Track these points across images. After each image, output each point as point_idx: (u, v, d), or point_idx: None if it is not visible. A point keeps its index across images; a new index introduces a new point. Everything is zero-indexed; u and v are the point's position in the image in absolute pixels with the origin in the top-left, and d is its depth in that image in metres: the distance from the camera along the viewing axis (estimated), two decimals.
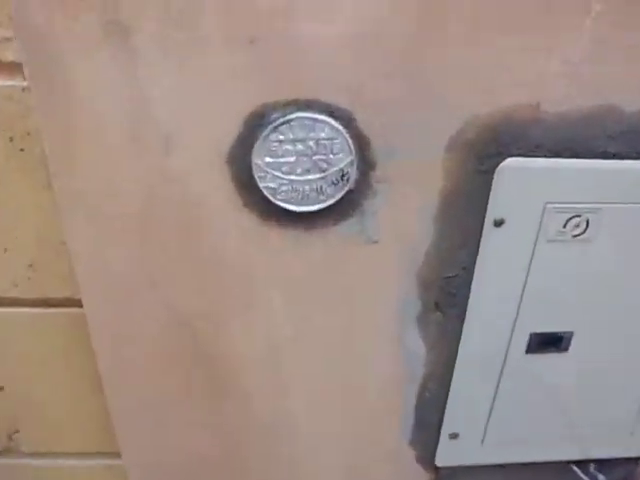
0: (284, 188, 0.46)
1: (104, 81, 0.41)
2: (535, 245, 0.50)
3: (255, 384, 0.56)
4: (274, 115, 0.43)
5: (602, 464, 0.68)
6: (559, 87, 0.44)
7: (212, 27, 0.40)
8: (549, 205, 0.48)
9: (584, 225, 0.49)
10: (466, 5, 0.40)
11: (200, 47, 0.40)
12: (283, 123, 0.43)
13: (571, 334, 0.56)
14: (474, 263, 0.50)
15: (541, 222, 0.49)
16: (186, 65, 0.41)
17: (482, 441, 0.62)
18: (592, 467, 0.67)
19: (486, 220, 0.48)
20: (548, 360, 0.57)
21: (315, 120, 0.44)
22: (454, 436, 0.61)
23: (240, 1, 0.39)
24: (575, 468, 0.67)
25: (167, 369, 0.55)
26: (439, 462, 0.64)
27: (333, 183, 0.46)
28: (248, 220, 0.47)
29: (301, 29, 0.40)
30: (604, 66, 0.43)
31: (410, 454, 0.63)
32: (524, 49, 0.42)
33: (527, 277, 0.51)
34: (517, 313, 0.53)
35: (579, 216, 0.49)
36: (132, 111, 0.42)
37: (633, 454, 0.67)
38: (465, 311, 0.53)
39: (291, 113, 0.43)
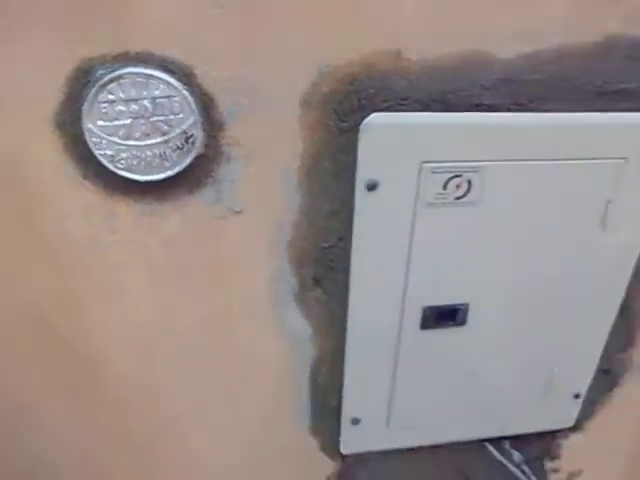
0: (123, 155, 0.41)
1: None
2: (415, 209, 0.46)
3: (126, 389, 0.51)
4: (101, 71, 0.38)
5: (517, 441, 0.65)
6: (419, 31, 0.39)
7: None
8: (425, 165, 0.44)
9: (466, 186, 0.45)
10: None
11: None
12: (112, 80, 0.38)
13: (467, 306, 0.52)
14: (351, 232, 0.46)
15: (418, 184, 0.44)
16: None
17: (387, 424, 0.58)
18: (507, 444, 0.65)
19: (357, 184, 0.44)
20: (446, 335, 0.53)
21: (148, 76, 0.38)
22: (356, 421, 0.57)
23: None
24: (490, 447, 0.64)
25: (25, 365, 0.49)
26: (344, 449, 0.60)
27: (178, 147, 0.41)
28: (91, 195, 0.42)
29: None
30: (470, 6, 0.39)
31: (312, 443, 0.59)
32: None
33: (410, 246, 0.47)
34: (405, 285, 0.49)
35: (459, 176, 0.45)
36: None
37: (546, 428, 0.64)
38: (348, 286, 0.48)
39: (120, 68, 0.38)
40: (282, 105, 0.41)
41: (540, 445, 0.67)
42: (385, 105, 0.42)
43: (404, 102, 0.42)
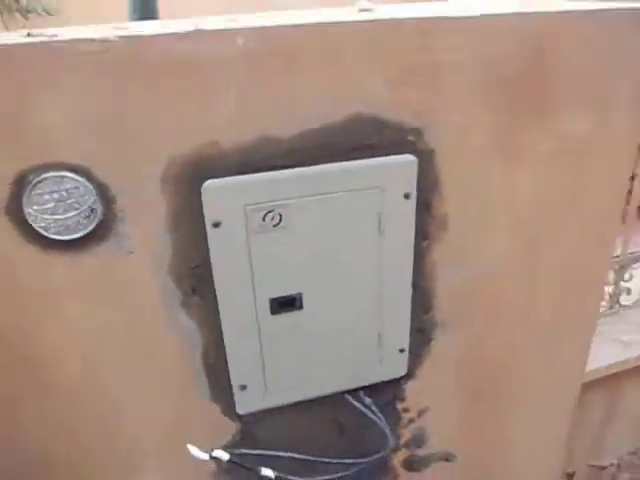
0: (52, 225, 0.65)
1: None
2: (247, 236, 0.71)
3: (73, 377, 0.74)
4: (31, 176, 0.63)
5: (370, 390, 0.91)
6: (230, 128, 0.66)
7: None
8: (248, 207, 0.70)
9: (278, 217, 0.72)
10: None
11: None
12: (39, 181, 0.63)
13: (301, 294, 0.78)
14: (209, 255, 0.71)
15: (246, 219, 0.70)
16: None
17: (266, 388, 0.83)
18: (362, 394, 0.90)
19: (207, 224, 0.70)
20: (291, 317, 0.79)
21: (62, 177, 0.64)
22: (243, 387, 0.82)
23: None
24: (348, 397, 0.89)
25: None
26: (240, 410, 0.84)
27: (87, 217, 0.66)
28: (34, 253, 0.66)
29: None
30: (258, 109, 0.66)
31: (216, 409, 0.83)
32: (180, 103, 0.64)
33: (251, 261, 0.73)
34: (253, 287, 0.75)
35: (272, 211, 0.71)
36: None
37: (387, 377, 0.90)
38: (215, 292, 0.74)
39: (43, 173, 0.63)
40: (149, 183, 0.66)
41: (389, 392, 0.93)
42: (214, 174, 0.68)
43: (227, 171, 0.68)
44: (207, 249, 0.71)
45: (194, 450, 0.62)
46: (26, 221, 0.64)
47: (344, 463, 0.74)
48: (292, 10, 0.80)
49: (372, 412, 0.86)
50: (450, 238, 0.83)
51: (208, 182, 0.68)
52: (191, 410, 0.82)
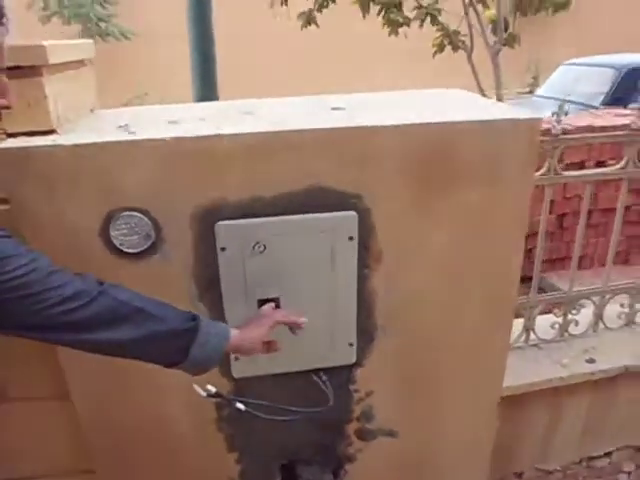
0: (126, 243, 1.09)
1: None
2: (243, 258, 1.13)
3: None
4: (116, 214, 1.07)
5: (330, 374, 1.29)
6: (233, 190, 1.08)
7: None
8: (244, 239, 1.12)
9: (263, 246, 1.13)
10: None
11: None
12: (119, 217, 1.07)
13: (279, 298, 1.18)
14: (218, 269, 1.13)
15: (242, 247, 1.12)
16: None
17: (255, 360, 1.23)
18: (321, 373, 1.29)
19: (217, 248, 1.12)
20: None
21: (132, 215, 1.08)
22: (237, 358, 1.23)
23: None
24: (311, 374, 1.28)
25: None
26: (235, 374, 1.25)
27: (145, 238, 1.10)
28: (114, 259, 1.10)
29: None
30: (250, 178, 1.08)
31: (215, 371, 1.24)
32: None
33: (245, 274, 1.14)
34: (246, 290, 1.16)
35: (259, 242, 1.13)
36: None
37: (342, 363, 1.28)
38: (221, 292, 1.15)
39: (121, 212, 1.07)
40: (182, 220, 1.10)
41: (343, 375, 1.31)
42: (224, 217, 1.10)
43: (232, 215, 1.11)
44: (217, 265, 1.13)
45: (198, 389, 1.02)
46: (111, 241, 1.08)
47: (298, 411, 1.12)
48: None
49: (324, 384, 1.25)
50: (384, 267, 1.21)
51: (219, 222, 1.10)
52: None
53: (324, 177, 1.11)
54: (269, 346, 1.06)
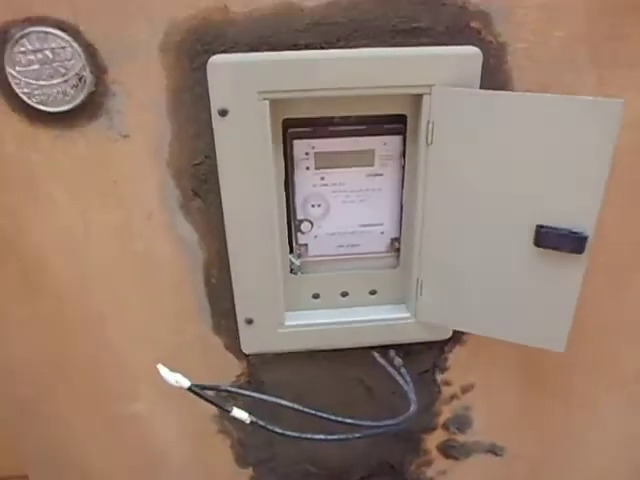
0: (36, 92, 0.57)
1: None
2: (261, 133, 0.59)
3: (60, 279, 0.67)
4: (13, 31, 0.55)
5: (405, 353, 0.76)
6: None
7: None
8: (261, 94, 0.58)
9: None
10: None
11: None
12: (22, 37, 0.55)
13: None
14: (214, 150, 0.60)
15: (258, 110, 0.58)
16: None
17: (279, 326, 0.70)
18: (392, 353, 0.75)
19: (212, 111, 0.58)
20: None
21: (47, 33, 0.55)
22: (250, 321, 0.70)
23: None
24: (375, 354, 0.75)
25: None
26: (245, 349, 0.72)
27: (74, 86, 0.57)
28: (19, 124, 0.59)
29: None
30: None
31: (218, 342, 0.73)
32: None
33: (266, 161, 0.61)
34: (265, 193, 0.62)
35: None
36: None
37: (428, 339, 0.74)
38: (220, 197, 0.62)
39: (26, 28, 0.55)
40: (146, 51, 0.56)
41: (427, 358, 0.78)
42: (222, 48, 0.56)
43: (235, 46, 0.56)
44: (212, 142, 0.59)
45: (164, 371, 0.51)
46: (9, 85, 0.56)
47: (355, 424, 0.60)
48: None
49: (400, 374, 0.71)
50: None
51: (214, 57, 0.56)
52: (189, 339, 0.72)
53: None
54: None
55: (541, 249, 0.57)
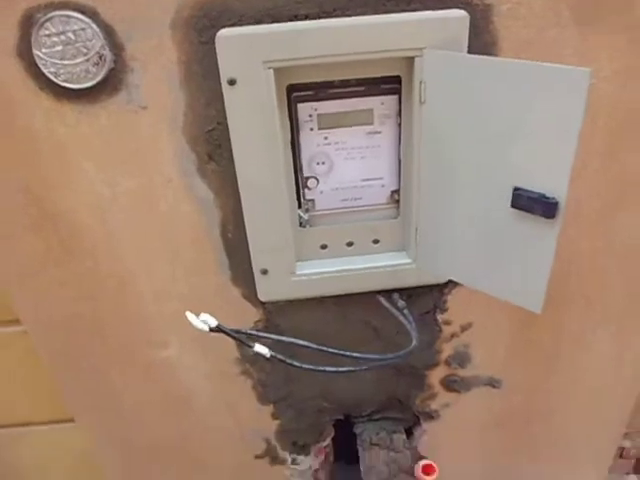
0: (62, 71, 0.63)
1: None
2: (267, 99, 0.65)
3: (93, 242, 0.74)
4: (37, 15, 0.60)
5: (407, 296, 0.83)
6: None
7: None
8: (266, 64, 0.63)
9: None
10: None
11: None
12: (46, 21, 0.60)
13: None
14: (225, 117, 0.66)
15: (265, 79, 0.64)
16: None
17: (292, 275, 0.78)
18: (396, 296, 0.82)
19: (222, 81, 0.64)
20: None
21: (68, 16, 0.60)
22: (264, 272, 0.77)
23: None
24: (380, 298, 0.82)
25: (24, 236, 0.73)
26: (261, 297, 0.80)
27: (96, 64, 0.62)
28: (47, 101, 0.64)
29: None
30: None
31: (236, 292, 0.80)
32: None
33: (273, 124, 0.66)
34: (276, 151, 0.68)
35: None
36: None
37: (427, 282, 0.81)
38: (233, 158, 0.68)
39: (50, 12, 0.60)
40: (159, 28, 0.61)
41: (428, 300, 0.85)
42: (229, 23, 0.61)
43: (241, 19, 0.61)
44: (223, 110, 0.65)
45: (191, 317, 0.58)
46: (36, 65, 0.62)
47: (361, 358, 0.68)
48: None
49: (403, 315, 0.79)
50: None
51: (222, 31, 0.61)
52: (211, 290, 0.79)
53: None
54: None
55: (518, 211, 0.58)
